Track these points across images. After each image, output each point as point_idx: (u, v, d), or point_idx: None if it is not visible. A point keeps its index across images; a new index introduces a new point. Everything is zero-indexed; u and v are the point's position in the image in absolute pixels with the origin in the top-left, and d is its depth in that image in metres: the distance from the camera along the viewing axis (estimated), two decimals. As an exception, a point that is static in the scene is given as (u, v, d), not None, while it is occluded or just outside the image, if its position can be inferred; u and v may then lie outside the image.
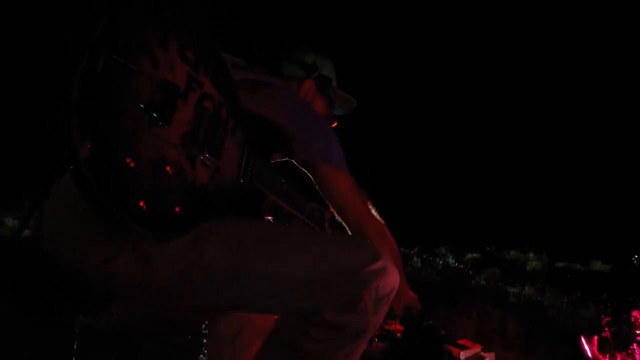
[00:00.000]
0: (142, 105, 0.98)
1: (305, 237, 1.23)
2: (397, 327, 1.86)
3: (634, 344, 3.03)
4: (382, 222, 1.65)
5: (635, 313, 3.06)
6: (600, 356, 3.17)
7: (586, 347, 3.17)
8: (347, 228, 1.60)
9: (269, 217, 1.67)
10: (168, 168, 1.02)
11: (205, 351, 1.74)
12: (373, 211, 1.66)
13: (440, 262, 7.18)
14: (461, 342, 1.73)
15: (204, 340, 1.89)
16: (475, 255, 8.55)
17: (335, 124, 1.94)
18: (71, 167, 0.90)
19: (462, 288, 5.28)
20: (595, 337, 3.19)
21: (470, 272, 6.38)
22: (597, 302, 4.51)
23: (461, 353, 1.63)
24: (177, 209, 1.03)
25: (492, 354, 1.71)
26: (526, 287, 5.52)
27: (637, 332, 3.06)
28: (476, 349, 1.67)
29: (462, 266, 6.80)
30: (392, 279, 1.22)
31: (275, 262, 1.13)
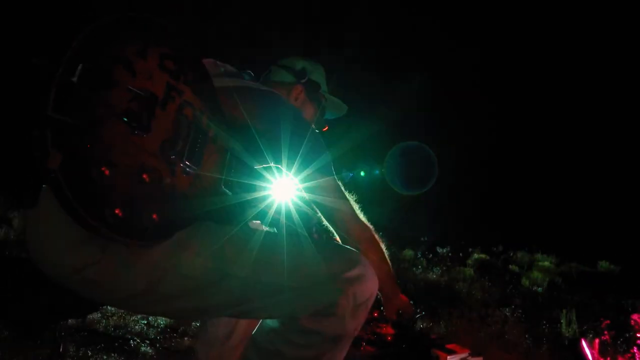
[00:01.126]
0: (118, 115, 0.99)
1: (283, 243, 1.24)
2: (388, 330, 1.86)
3: (635, 348, 3.01)
4: (371, 227, 1.66)
5: (635, 317, 3.03)
6: (602, 359, 3.15)
7: (587, 350, 3.14)
8: (334, 233, 1.61)
9: (257, 222, 1.68)
10: (145, 176, 1.03)
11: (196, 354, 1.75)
12: (361, 216, 1.66)
13: (446, 263, 7.15)
14: (449, 346, 1.73)
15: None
16: (482, 256, 8.50)
17: (327, 128, 1.95)
18: (49, 175, 0.92)
19: (465, 290, 5.25)
20: (597, 341, 3.16)
21: (476, 273, 6.35)
22: (600, 305, 4.47)
23: (448, 357, 1.63)
24: (154, 216, 1.04)
25: (480, 359, 1.71)
26: (530, 289, 5.48)
27: (638, 335, 3.03)
28: (463, 354, 1.67)
29: (467, 267, 6.77)
30: (371, 285, 1.22)
31: (252, 268, 1.15)
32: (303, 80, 1.76)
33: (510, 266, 7.75)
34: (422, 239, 8.29)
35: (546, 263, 7.91)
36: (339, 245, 1.40)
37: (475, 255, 8.43)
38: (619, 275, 7.68)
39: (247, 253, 1.16)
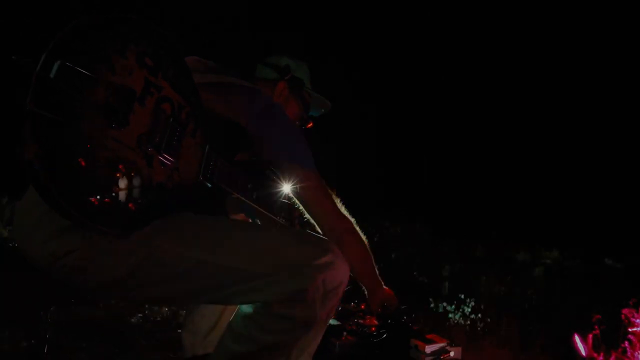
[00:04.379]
0: (96, 109, 1.04)
1: (255, 232, 1.29)
2: (372, 322, 1.91)
3: (626, 342, 3.02)
4: (352, 219, 1.70)
5: (625, 311, 3.04)
6: (595, 355, 3.16)
7: (580, 345, 3.16)
8: (316, 226, 1.66)
9: (242, 214, 1.73)
10: (121, 167, 1.08)
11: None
12: (343, 210, 1.71)
13: (447, 259, 7.16)
14: (429, 336, 1.77)
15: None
16: (483, 254, 8.51)
17: (311, 124, 1.99)
18: (30, 168, 0.98)
19: (464, 286, 5.27)
20: (590, 336, 3.18)
21: (477, 269, 6.35)
22: (599, 301, 4.48)
23: (427, 347, 1.67)
24: (130, 206, 1.10)
25: (459, 349, 1.74)
26: (531, 285, 5.49)
27: (629, 330, 3.04)
28: (442, 343, 1.71)
29: (467, 264, 6.78)
30: (341, 273, 1.27)
31: (224, 255, 1.20)
32: (286, 77, 1.81)
33: (513, 262, 7.76)
34: (423, 236, 8.30)
35: (549, 260, 7.90)
36: (311, 234, 1.45)
37: (478, 253, 8.44)
38: (623, 273, 7.66)
39: (219, 241, 1.22)
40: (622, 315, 3.03)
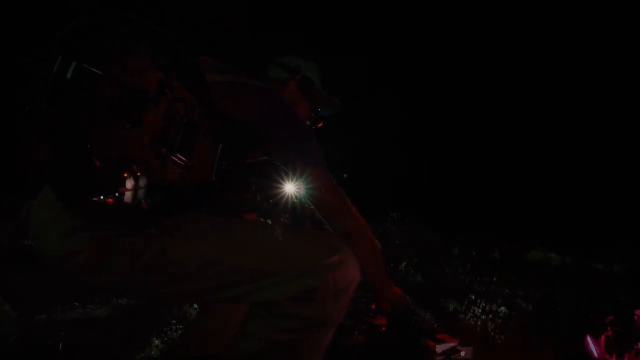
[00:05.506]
0: (110, 110, 1.05)
1: (266, 231, 1.30)
2: (383, 321, 1.91)
3: (639, 344, 2.99)
4: (362, 219, 1.70)
5: (638, 312, 3.01)
6: (608, 356, 3.14)
7: (592, 347, 3.13)
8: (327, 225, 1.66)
9: (253, 214, 1.74)
10: (135, 167, 1.09)
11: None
12: (353, 209, 1.71)
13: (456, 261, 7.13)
14: (439, 336, 1.77)
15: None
16: (494, 254, 8.46)
17: (322, 124, 2.00)
18: (44, 167, 0.99)
19: (473, 286, 5.25)
20: (603, 337, 3.15)
21: (484, 270, 6.32)
22: (610, 303, 4.44)
23: (437, 346, 1.67)
24: (144, 205, 1.11)
25: (470, 349, 1.73)
26: (540, 287, 5.45)
27: (643, 331, 3.01)
28: (453, 343, 1.71)
29: (476, 264, 6.75)
30: (351, 272, 1.27)
31: (234, 254, 1.21)
32: (297, 77, 1.81)
33: (523, 264, 7.71)
34: (425, 236, 8.28)
35: (558, 261, 7.85)
36: (322, 233, 1.45)
37: (489, 254, 8.40)
38: (634, 276, 7.59)
39: (228, 240, 1.23)
40: (635, 317, 3.01)
